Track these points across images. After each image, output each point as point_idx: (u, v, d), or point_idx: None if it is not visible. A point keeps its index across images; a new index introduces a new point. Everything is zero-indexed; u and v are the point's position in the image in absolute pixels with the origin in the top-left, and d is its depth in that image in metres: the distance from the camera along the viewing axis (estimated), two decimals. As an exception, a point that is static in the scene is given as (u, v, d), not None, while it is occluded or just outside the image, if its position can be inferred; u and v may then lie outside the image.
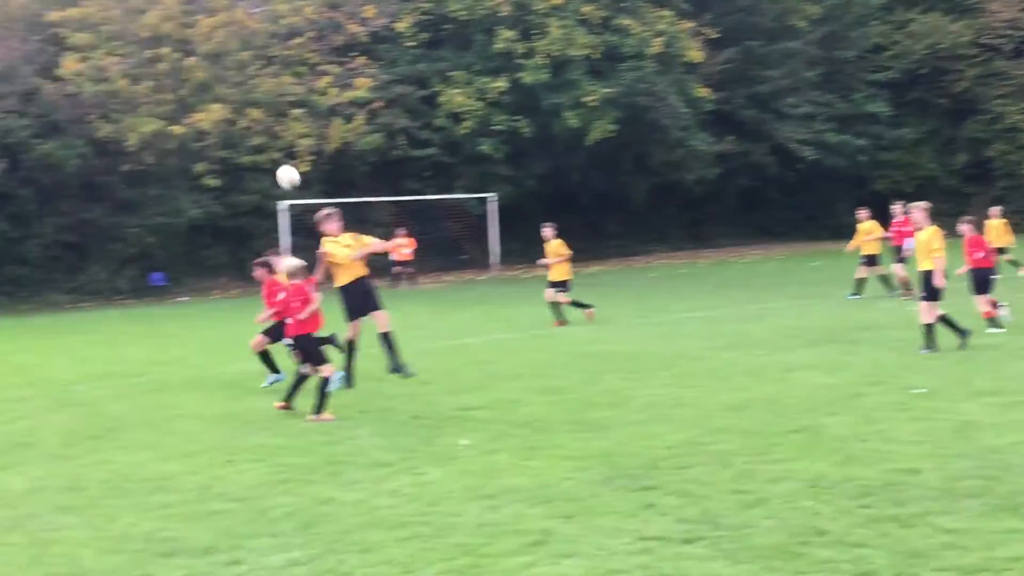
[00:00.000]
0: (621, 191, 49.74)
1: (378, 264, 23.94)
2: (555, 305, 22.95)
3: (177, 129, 38.76)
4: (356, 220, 43.32)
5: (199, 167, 39.77)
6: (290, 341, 14.36)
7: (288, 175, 16.87)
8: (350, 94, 40.49)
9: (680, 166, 49.20)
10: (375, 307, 15.53)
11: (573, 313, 22.99)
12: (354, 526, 8.57)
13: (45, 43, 40.31)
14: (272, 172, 40.84)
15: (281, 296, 14.49)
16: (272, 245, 40.85)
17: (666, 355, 17.21)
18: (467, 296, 33.48)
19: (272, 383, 15.64)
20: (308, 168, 40.27)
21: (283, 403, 13.60)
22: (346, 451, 11.33)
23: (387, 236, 43.63)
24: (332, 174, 43.33)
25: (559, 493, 9.16)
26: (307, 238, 42.39)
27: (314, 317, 13.58)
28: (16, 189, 36.55)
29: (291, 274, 13.74)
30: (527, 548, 7.78)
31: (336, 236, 15.48)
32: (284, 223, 39.17)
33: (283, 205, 39.56)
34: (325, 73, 40.73)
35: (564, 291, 22.95)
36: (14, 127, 36.35)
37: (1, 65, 37.16)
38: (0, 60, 37.46)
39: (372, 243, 15.92)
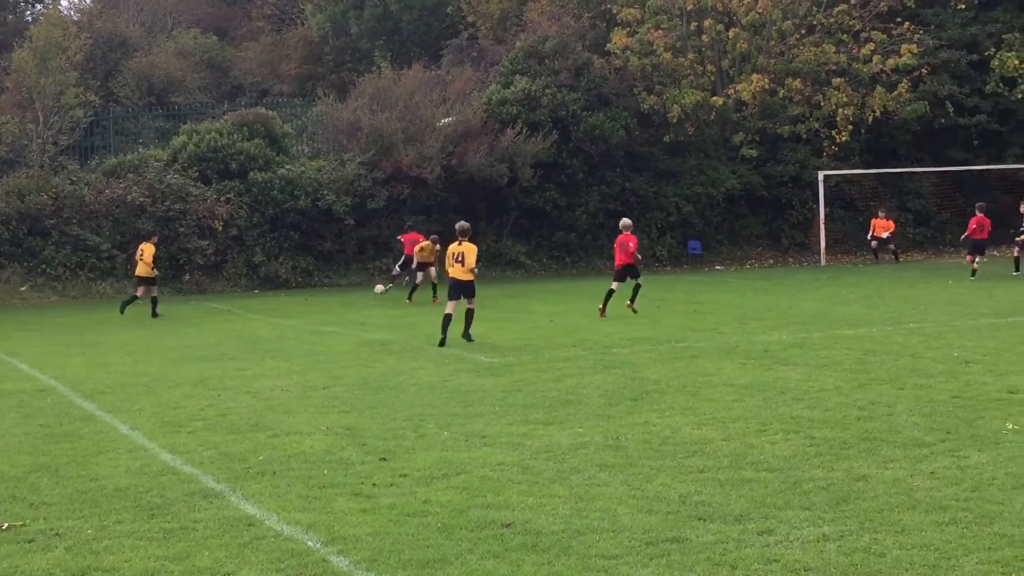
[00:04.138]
0: None
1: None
2: None
3: (717, 100, 39.48)
4: (898, 191, 42.57)
5: (737, 137, 40.40)
6: None
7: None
8: (893, 61, 39.24)
9: None
10: None
11: None
12: (888, 505, 8.38)
13: (596, 19, 42.38)
14: (810, 142, 40.75)
15: None
16: (808, 215, 40.81)
17: None
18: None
19: None
20: (847, 138, 39.68)
21: None
22: (881, 428, 11.09)
23: (927, 208, 42.40)
24: (872, 144, 42.69)
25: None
26: (845, 208, 41.93)
27: None
28: (567, 159, 38.58)
29: None
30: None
31: None
32: (821, 193, 39.00)
33: (821, 175, 39.23)
34: (869, 40, 39.74)
35: None
36: (566, 100, 38.39)
37: (555, 41, 39.28)
38: (554, 36, 39.59)
39: None
